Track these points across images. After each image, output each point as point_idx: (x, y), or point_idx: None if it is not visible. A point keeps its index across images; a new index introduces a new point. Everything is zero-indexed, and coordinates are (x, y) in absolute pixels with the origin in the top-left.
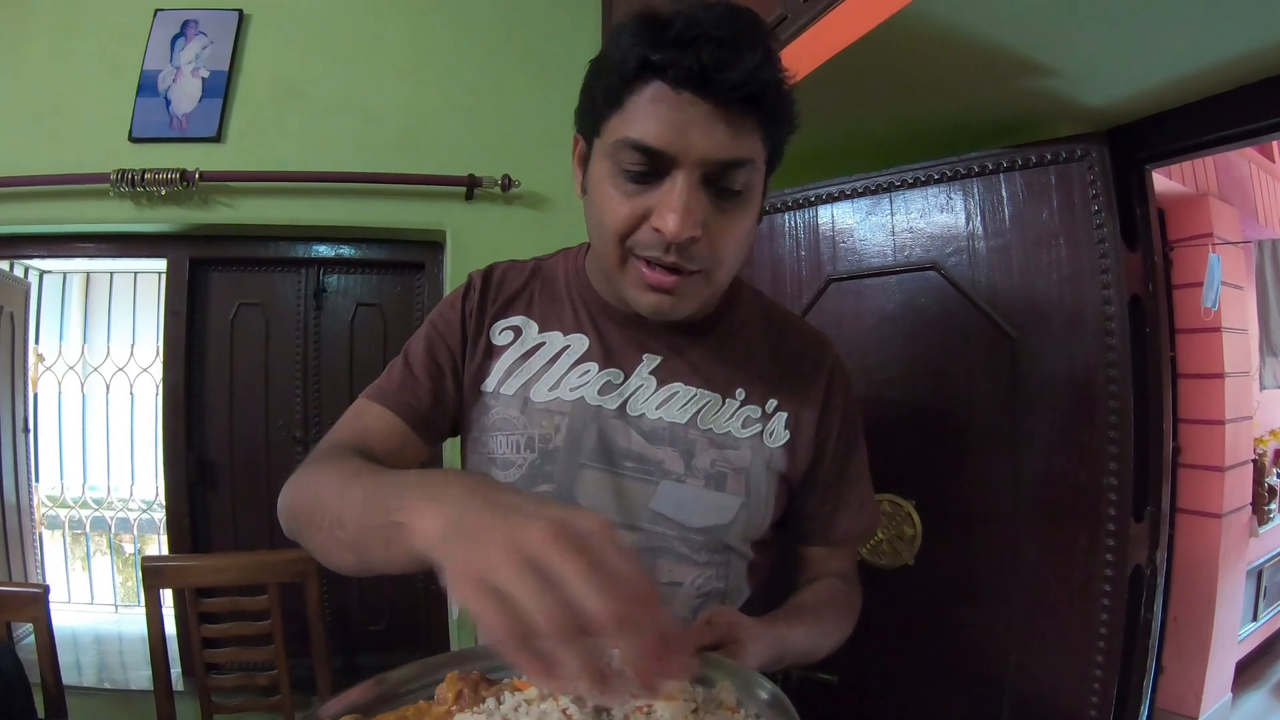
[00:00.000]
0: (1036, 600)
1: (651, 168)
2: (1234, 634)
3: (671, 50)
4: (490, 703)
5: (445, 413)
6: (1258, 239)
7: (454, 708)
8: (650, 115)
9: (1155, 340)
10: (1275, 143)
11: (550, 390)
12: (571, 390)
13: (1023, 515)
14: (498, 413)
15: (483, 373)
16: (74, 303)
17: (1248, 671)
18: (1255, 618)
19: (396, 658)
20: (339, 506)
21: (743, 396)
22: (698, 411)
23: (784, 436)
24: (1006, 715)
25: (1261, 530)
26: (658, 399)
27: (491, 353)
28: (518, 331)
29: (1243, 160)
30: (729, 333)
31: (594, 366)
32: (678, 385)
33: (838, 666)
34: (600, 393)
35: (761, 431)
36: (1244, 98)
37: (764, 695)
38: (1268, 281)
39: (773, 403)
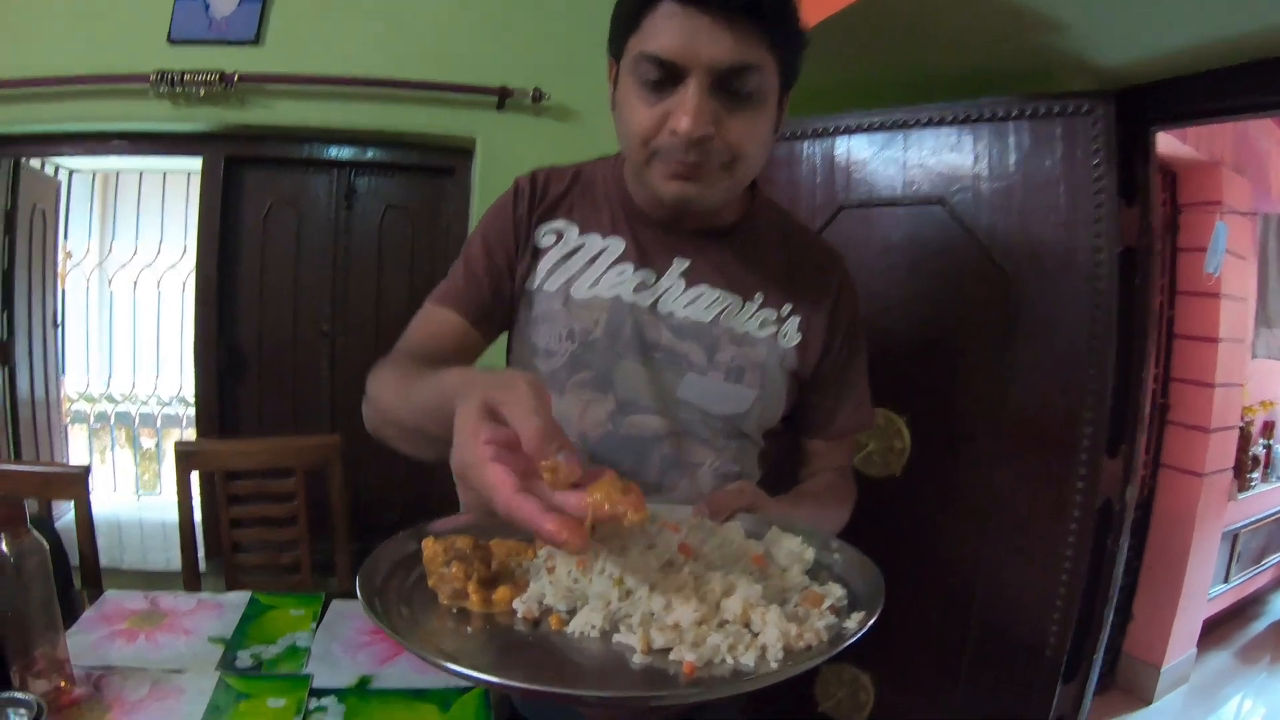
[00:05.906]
0: (1010, 519)
1: (666, 76)
2: (1204, 591)
3: None
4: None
5: (503, 307)
6: (1265, 212)
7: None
8: (662, 30)
9: (1144, 291)
10: None
11: (590, 288)
12: (610, 288)
13: (1004, 439)
14: (541, 307)
15: (528, 272)
16: (103, 202)
17: (1216, 631)
18: (1227, 579)
19: None
20: (396, 404)
21: (761, 300)
22: (721, 311)
23: (796, 338)
24: (975, 622)
25: (1241, 496)
26: (686, 299)
27: (536, 254)
28: (560, 234)
29: (1264, 135)
30: (750, 241)
31: (630, 267)
32: (704, 287)
33: None
34: (635, 291)
35: (777, 332)
36: (1254, 72)
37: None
38: (1269, 255)
39: (788, 306)
